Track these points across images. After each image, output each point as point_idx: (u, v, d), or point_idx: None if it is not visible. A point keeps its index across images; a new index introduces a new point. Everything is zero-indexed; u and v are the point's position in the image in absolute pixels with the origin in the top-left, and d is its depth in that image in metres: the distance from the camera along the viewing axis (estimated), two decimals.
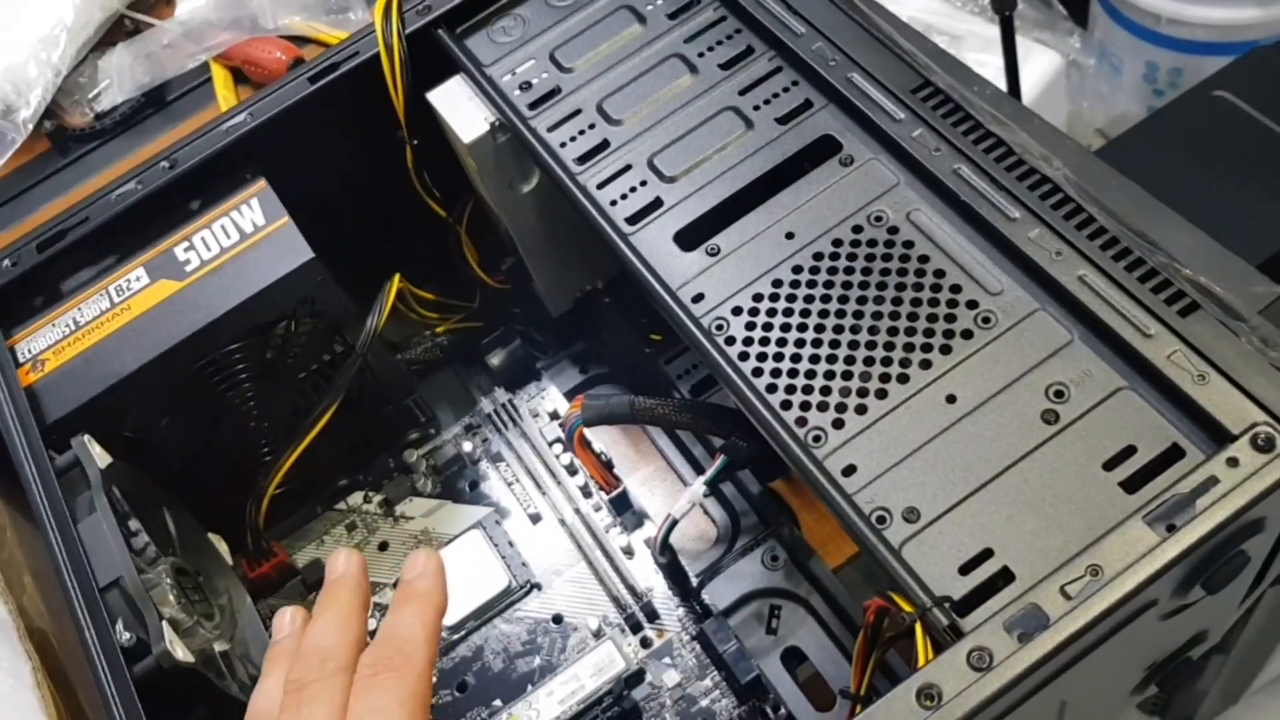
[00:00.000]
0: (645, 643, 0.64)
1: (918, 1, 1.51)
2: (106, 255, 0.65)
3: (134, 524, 0.57)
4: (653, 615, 0.64)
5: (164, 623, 0.50)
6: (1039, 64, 1.43)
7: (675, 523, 0.59)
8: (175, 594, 0.56)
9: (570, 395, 0.74)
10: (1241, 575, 0.45)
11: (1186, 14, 1.37)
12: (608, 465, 0.67)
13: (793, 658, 0.62)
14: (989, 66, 1.43)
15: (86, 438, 0.57)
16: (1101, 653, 0.42)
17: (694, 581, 0.64)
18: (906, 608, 0.43)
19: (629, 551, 0.66)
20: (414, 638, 0.46)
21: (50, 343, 0.62)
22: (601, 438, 0.71)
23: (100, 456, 0.57)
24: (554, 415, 0.73)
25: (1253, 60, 1.13)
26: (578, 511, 0.68)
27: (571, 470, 0.70)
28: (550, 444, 0.71)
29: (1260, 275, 0.65)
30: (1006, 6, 1.28)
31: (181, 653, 0.50)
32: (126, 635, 0.50)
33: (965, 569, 0.43)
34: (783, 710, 0.60)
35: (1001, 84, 1.35)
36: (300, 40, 0.99)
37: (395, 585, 0.68)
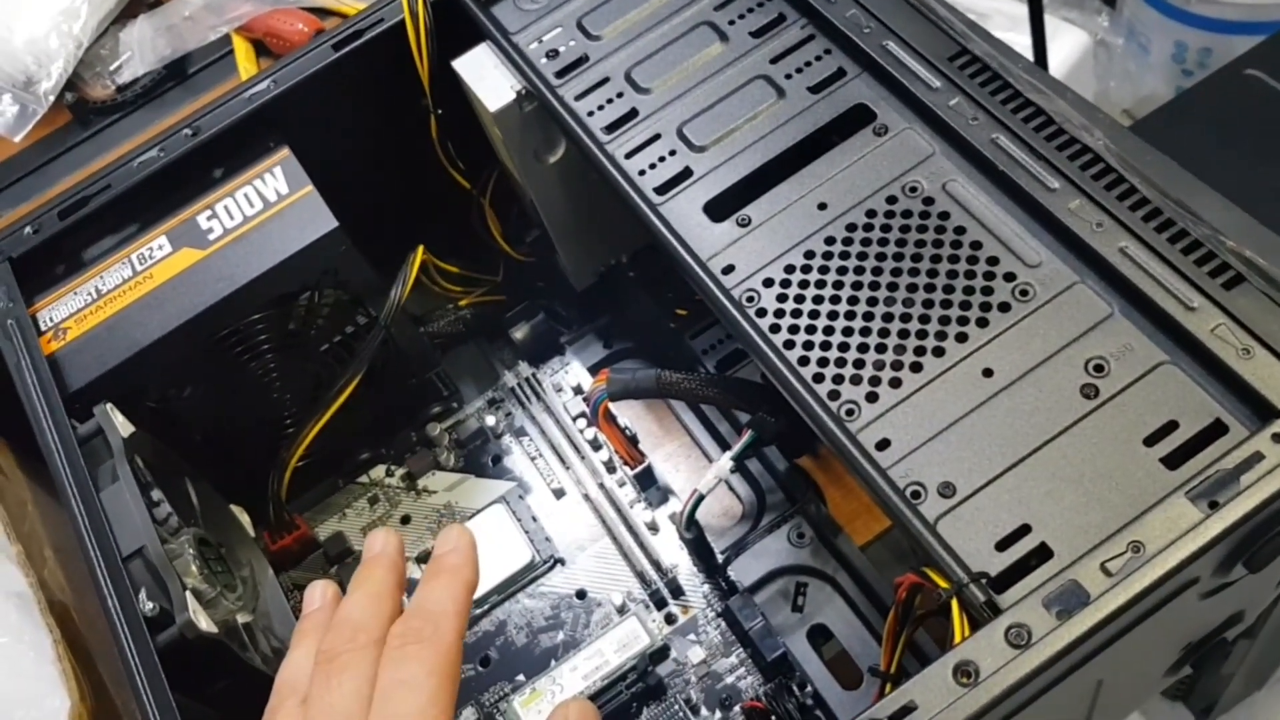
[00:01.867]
0: (670, 619, 0.63)
1: None
2: (129, 223, 0.64)
3: (156, 494, 0.57)
4: (677, 591, 0.63)
5: (187, 593, 0.50)
6: (1066, 43, 1.42)
7: (701, 498, 0.59)
8: (198, 565, 0.56)
9: (594, 370, 0.73)
10: None
11: None
12: (632, 440, 0.66)
13: (819, 635, 0.62)
14: (1015, 46, 1.41)
15: (109, 406, 0.56)
16: (1141, 631, 0.41)
17: (719, 558, 0.63)
18: (942, 583, 0.42)
19: (653, 527, 0.66)
20: (444, 611, 0.45)
21: (72, 311, 0.62)
22: (626, 413, 0.70)
23: (123, 425, 0.56)
24: (578, 390, 0.72)
25: None
26: (602, 486, 0.68)
27: (595, 445, 0.69)
28: (574, 418, 0.71)
29: None
30: None
31: (205, 623, 0.50)
32: (150, 605, 0.49)
33: (1002, 545, 0.42)
34: (809, 688, 0.59)
35: None
36: (323, 12, 0.98)
37: (419, 559, 0.68)
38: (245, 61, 0.98)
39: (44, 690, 0.67)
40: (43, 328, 0.61)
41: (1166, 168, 0.69)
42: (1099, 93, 1.50)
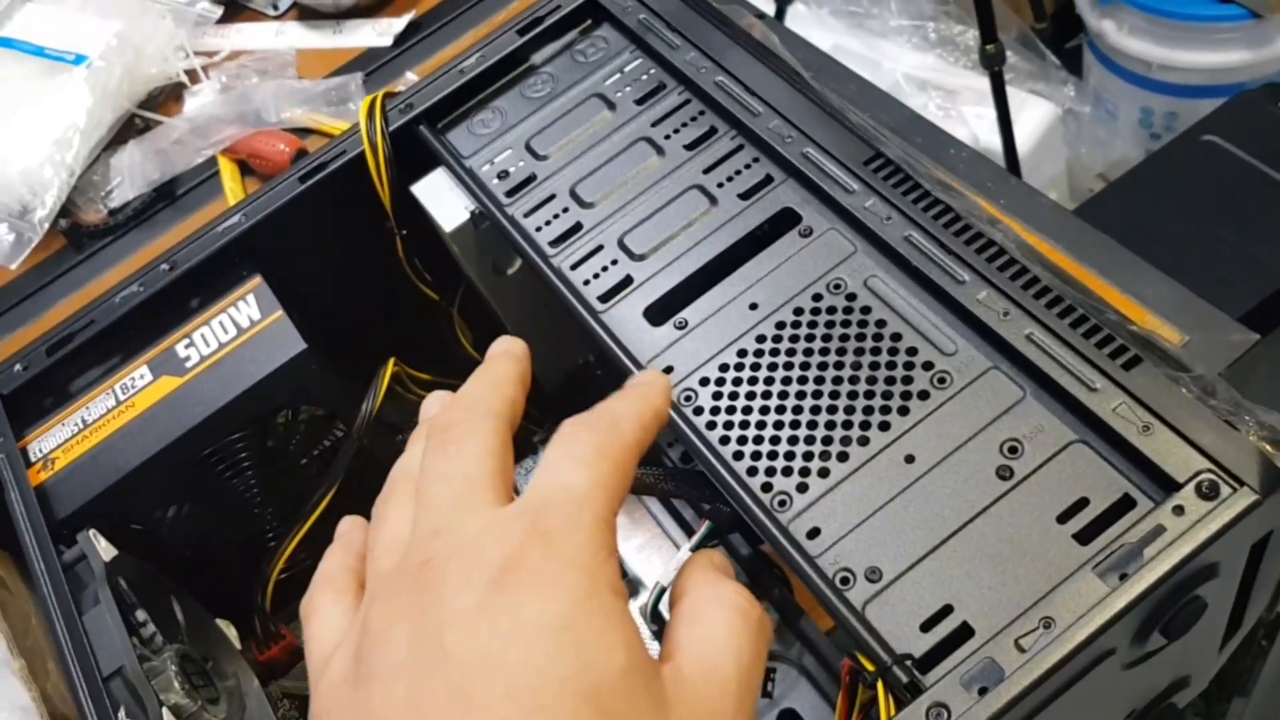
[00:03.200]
0: None
1: (912, 58, 1.54)
2: (112, 355, 0.67)
3: (141, 614, 0.60)
4: None
5: (164, 709, 0.52)
6: (1034, 114, 1.46)
7: (664, 590, 0.61)
8: (179, 680, 0.58)
9: None
10: (1205, 620, 0.46)
11: (1176, 59, 1.40)
12: None
13: None
14: (985, 119, 1.45)
15: (92, 532, 0.59)
16: (1064, 703, 0.43)
17: None
18: (869, 666, 0.44)
19: None
20: (481, 395, 0.42)
21: (60, 442, 0.65)
22: None
23: (105, 550, 0.59)
24: None
25: (1239, 104, 1.15)
26: None
27: None
28: None
29: (1236, 324, 0.67)
30: (995, 62, 1.31)
31: None
32: None
33: (926, 626, 0.44)
34: None
35: (996, 136, 1.38)
36: (303, 132, 1.03)
37: None
38: (230, 181, 1.03)
39: None
40: (32, 459, 0.65)
41: (1105, 249, 0.72)
42: (1072, 159, 1.54)
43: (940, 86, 1.54)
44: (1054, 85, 1.52)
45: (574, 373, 0.77)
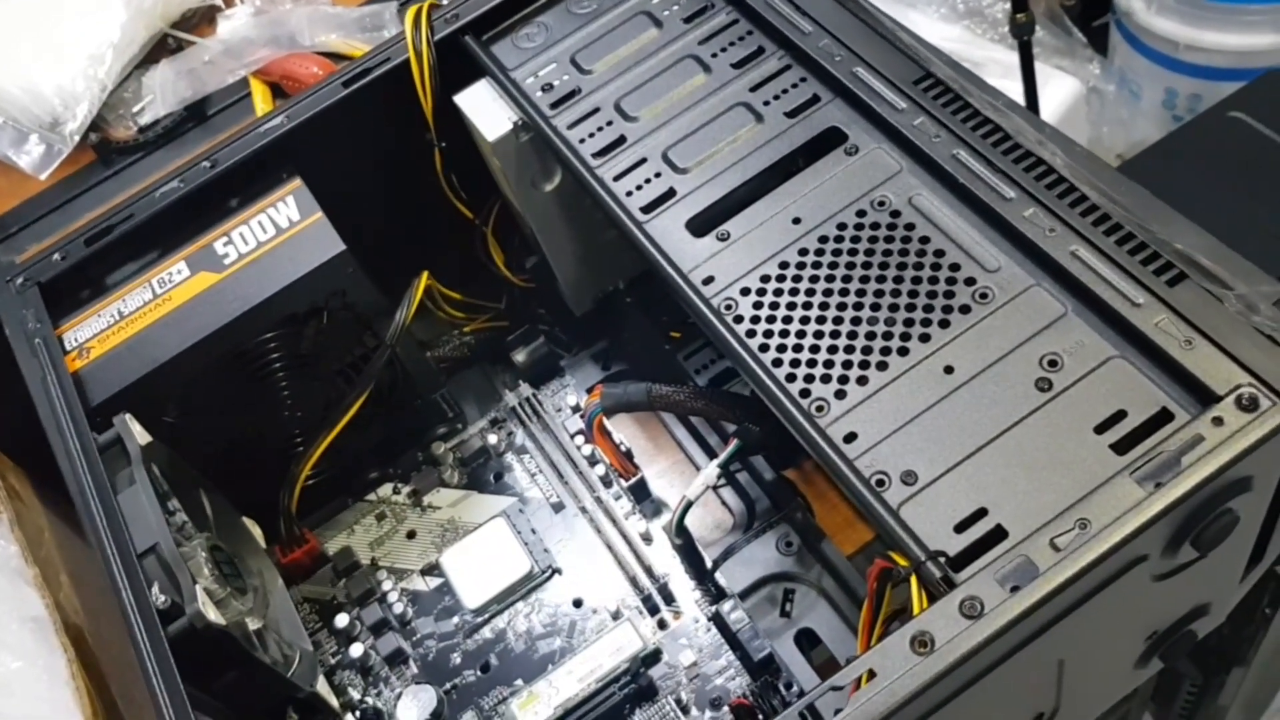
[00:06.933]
0: (662, 624, 0.65)
1: (938, 29, 1.54)
2: (150, 250, 0.68)
3: (173, 504, 0.60)
4: (670, 598, 0.66)
5: (198, 586, 0.53)
6: (1058, 90, 1.45)
7: (690, 504, 0.61)
8: (210, 568, 0.59)
9: (591, 390, 0.76)
10: (1234, 538, 0.46)
11: (1204, 40, 1.39)
12: (627, 454, 0.69)
13: (806, 639, 0.64)
14: (1009, 93, 1.45)
15: (127, 416, 0.60)
16: (1093, 607, 0.44)
17: (709, 564, 0.66)
18: (903, 563, 0.45)
19: (647, 538, 0.68)
20: None
21: (96, 332, 0.65)
22: (621, 431, 0.73)
23: (140, 434, 0.59)
24: (576, 409, 0.75)
25: (1268, 82, 1.15)
26: (598, 500, 0.70)
27: (593, 461, 0.72)
28: (572, 436, 0.73)
29: (1266, 275, 0.67)
30: (1025, 31, 1.30)
31: (213, 614, 0.52)
32: (162, 598, 0.52)
33: (960, 527, 0.45)
34: (795, 687, 0.61)
35: None
36: (336, 57, 1.03)
37: (423, 571, 0.71)
38: (262, 103, 1.03)
39: (57, 710, 0.70)
40: (68, 347, 0.65)
41: (1139, 195, 0.72)
42: (1093, 138, 1.53)
43: (965, 58, 1.53)
44: (1079, 62, 1.51)
45: (603, 299, 0.77)
